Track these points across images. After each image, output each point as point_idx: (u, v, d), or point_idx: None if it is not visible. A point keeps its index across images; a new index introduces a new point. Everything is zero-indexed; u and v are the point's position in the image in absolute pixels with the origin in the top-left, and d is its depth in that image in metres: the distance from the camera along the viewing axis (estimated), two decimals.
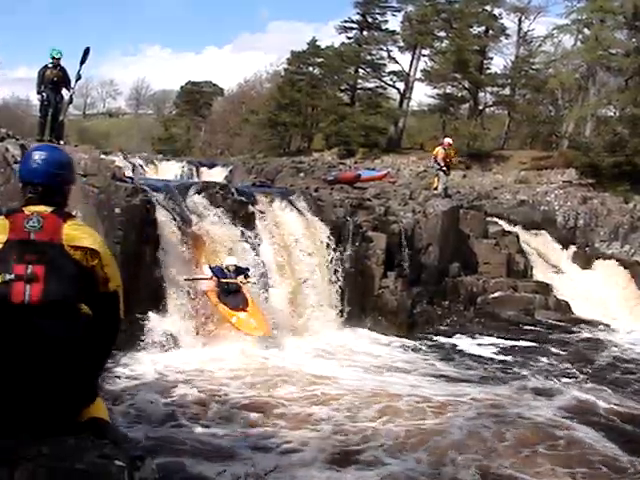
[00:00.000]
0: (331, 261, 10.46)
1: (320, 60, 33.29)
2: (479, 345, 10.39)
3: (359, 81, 32.71)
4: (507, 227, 15.22)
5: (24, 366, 2.29)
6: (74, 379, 2.38)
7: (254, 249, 9.68)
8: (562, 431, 6.16)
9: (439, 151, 14.94)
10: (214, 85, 48.89)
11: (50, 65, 10.85)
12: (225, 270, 8.83)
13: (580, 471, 5.33)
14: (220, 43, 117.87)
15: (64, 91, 11.01)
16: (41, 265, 2.41)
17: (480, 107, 29.72)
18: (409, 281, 11.55)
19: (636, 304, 13.93)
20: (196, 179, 16.89)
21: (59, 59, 10.88)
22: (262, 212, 10.23)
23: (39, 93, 10.89)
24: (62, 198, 2.68)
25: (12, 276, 2.38)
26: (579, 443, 5.90)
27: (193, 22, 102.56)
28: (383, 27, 32.09)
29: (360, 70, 32.23)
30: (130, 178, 9.60)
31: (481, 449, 5.64)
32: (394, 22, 36.28)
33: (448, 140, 15.38)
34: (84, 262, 2.51)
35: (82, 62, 10.60)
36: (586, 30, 24.13)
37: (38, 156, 2.67)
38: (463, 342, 10.49)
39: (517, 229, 15.37)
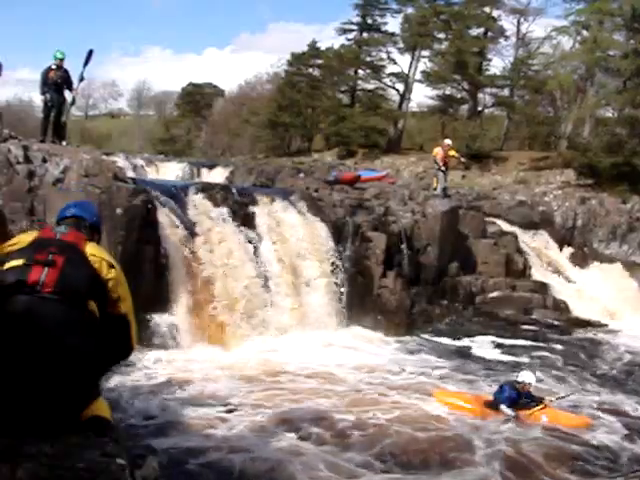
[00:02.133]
0: (331, 261, 10.53)
1: (320, 62, 33.36)
2: (480, 345, 10.43)
3: (359, 82, 32.75)
4: (506, 227, 15.25)
5: (28, 346, 2.34)
6: (75, 368, 2.41)
7: (254, 249, 9.74)
8: None
9: (438, 152, 15.02)
10: (215, 86, 48.99)
11: (54, 67, 10.92)
12: (519, 389, 6.81)
13: None
14: (221, 44, 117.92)
15: (67, 92, 11.09)
16: (62, 256, 2.56)
17: (479, 108, 29.79)
18: (408, 281, 11.60)
19: (634, 304, 13.99)
20: (197, 180, 16.93)
21: (62, 60, 10.95)
22: (262, 212, 10.29)
23: (43, 94, 10.96)
24: (89, 236, 2.92)
25: (32, 260, 2.52)
26: None
27: (194, 23, 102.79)
28: (383, 29, 32.15)
29: (360, 71, 32.28)
30: (131, 179, 9.67)
31: None
32: (394, 24, 36.46)
33: (447, 141, 15.44)
34: (100, 271, 2.65)
35: (85, 64, 10.72)
36: (584, 32, 24.20)
37: (76, 202, 3.18)
38: (463, 342, 10.54)
39: (516, 229, 15.41)
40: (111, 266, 2.67)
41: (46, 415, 2.35)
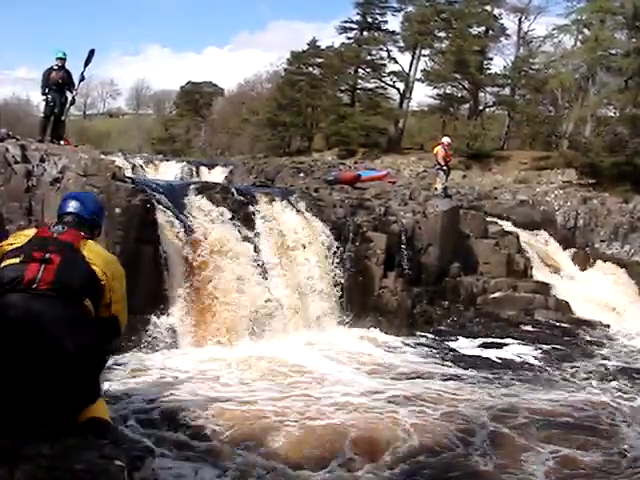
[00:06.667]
0: (331, 261, 10.47)
1: (320, 60, 33.37)
2: (480, 345, 10.37)
3: (359, 81, 32.76)
4: (507, 227, 15.21)
5: (26, 344, 2.34)
6: (74, 364, 2.41)
7: (254, 249, 9.68)
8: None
9: (439, 150, 14.95)
10: (214, 85, 49.02)
11: (55, 67, 10.89)
12: None
13: None
14: (220, 43, 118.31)
15: (68, 93, 11.07)
16: (59, 255, 2.62)
17: (480, 107, 29.78)
18: (409, 281, 11.53)
19: (636, 304, 13.94)
20: (196, 179, 16.89)
21: (64, 60, 10.91)
22: (262, 212, 10.23)
23: (44, 94, 10.92)
24: (89, 234, 2.95)
25: (29, 258, 2.59)
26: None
27: (193, 22, 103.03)
28: (383, 27, 32.19)
29: (360, 70, 32.29)
30: (130, 178, 9.61)
31: None
32: (394, 22, 36.48)
33: (447, 139, 15.38)
34: (96, 272, 2.69)
35: (86, 63, 10.72)
36: (586, 30, 24.19)
37: (77, 195, 3.18)
38: (463, 342, 10.48)
39: (517, 229, 15.37)
40: (107, 267, 2.71)
41: (46, 414, 2.34)
